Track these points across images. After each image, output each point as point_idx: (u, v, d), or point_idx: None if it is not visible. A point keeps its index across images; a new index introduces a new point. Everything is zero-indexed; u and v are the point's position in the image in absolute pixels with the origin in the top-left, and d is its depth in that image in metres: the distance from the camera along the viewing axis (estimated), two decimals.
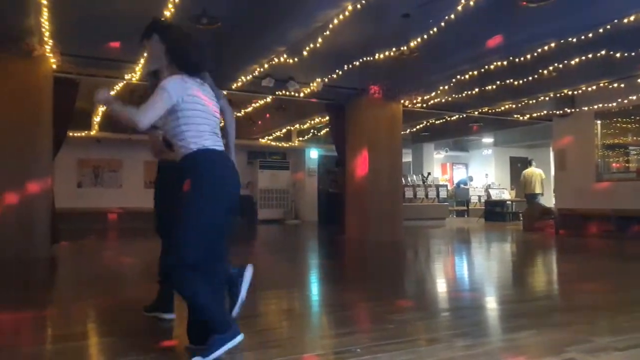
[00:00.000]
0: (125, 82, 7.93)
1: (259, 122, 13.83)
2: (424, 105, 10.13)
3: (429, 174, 16.17)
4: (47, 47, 6.43)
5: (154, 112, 2.38)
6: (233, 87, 8.29)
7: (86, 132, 11.93)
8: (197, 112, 2.45)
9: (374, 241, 8.70)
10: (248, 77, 7.76)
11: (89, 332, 3.24)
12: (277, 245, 9.95)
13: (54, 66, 6.82)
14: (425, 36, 6.20)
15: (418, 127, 13.45)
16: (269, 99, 10.02)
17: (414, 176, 15.75)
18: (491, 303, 4.18)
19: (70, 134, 9.59)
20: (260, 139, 14.96)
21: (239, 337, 2.41)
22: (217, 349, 2.34)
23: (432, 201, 14.94)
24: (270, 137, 15.02)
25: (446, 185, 16.19)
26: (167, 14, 5.43)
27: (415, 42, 6.48)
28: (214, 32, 5.99)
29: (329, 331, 3.24)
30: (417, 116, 11.63)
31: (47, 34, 6.04)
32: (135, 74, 7.48)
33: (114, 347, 2.80)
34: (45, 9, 5.26)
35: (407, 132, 13.57)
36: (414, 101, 9.70)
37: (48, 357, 2.68)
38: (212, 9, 5.45)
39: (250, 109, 11.41)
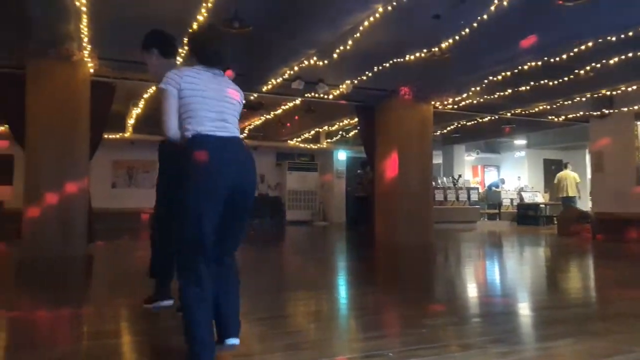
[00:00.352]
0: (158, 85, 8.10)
1: (288, 124, 13.93)
2: (455, 106, 10.00)
3: (459, 176, 15.96)
4: (85, 52, 6.62)
5: (168, 117, 2.43)
6: (263, 89, 8.37)
7: (120, 134, 12.25)
8: (197, 99, 2.43)
9: (404, 244, 8.63)
10: (278, 80, 7.81)
11: (122, 330, 3.32)
12: (305, 246, 9.98)
13: (92, 70, 7.02)
14: (457, 37, 6.12)
15: (449, 128, 13.27)
16: (298, 101, 10.08)
17: (444, 178, 15.56)
18: (525, 309, 4.08)
19: (106, 136, 9.85)
20: (288, 141, 15.05)
21: None
22: None
23: (463, 204, 14.73)
24: (299, 139, 15.09)
25: (477, 188, 15.93)
26: (200, 18, 5.53)
27: (446, 43, 6.41)
28: (245, 36, 6.06)
29: (360, 334, 3.22)
30: (448, 117, 11.49)
31: (85, 39, 6.22)
32: None
33: (146, 345, 2.86)
34: (84, 15, 5.42)
35: (438, 133, 13.41)
36: (445, 102, 9.59)
37: (83, 354, 2.75)
38: (244, 13, 5.52)
39: (279, 111, 11.50)
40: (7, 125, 8.01)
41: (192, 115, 2.42)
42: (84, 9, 5.24)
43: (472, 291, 5.08)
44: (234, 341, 2.50)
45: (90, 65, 6.89)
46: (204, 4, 5.29)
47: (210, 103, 2.45)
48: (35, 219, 6.46)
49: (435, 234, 9.49)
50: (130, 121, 11.77)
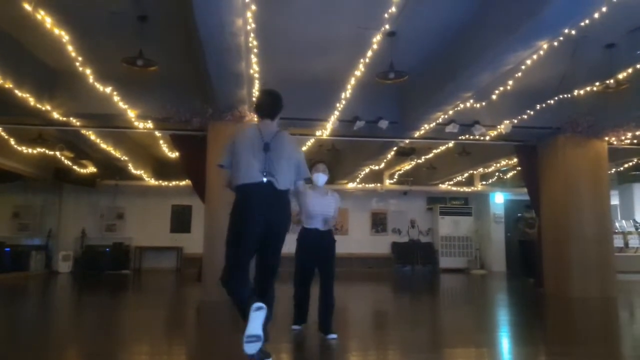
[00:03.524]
0: (315, 137, 8.62)
1: (439, 168, 13.64)
2: (635, 141, 8.84)
3: None
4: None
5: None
6: (416, 135, 8.37)
7: None
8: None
9: (580, 297, 7.65)
10: (431, 125, 7.75)
11: None
12: (462, 297, 9.42)
13: None
14: (638, 65, 5.47)
15: (626, 165, 11.74)
16: (451, 144, 9.85)
17: (623, 222, 13.67)
18: None
19: None
20: (440, 184, 14.69)
21: None
22: None
23: None
24: (451, 182, 14.64)
25: None
26: (357, 73, 5.80)
27: (624, 74, 5.76)
28: (400, 85, 6.19)
29: None
30: (625, 154, 10.19)
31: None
32: (325, 130, 8.06)
33: None
34: (257, 81, 6.05)
35: (613, 171, 11.94)
36: (622, 137, 8.53)
37: None
38: (399, 64, 5.65)
39: (430, 155, 11.35)
40: (188, 180, 9.14)
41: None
42: (256, 75, 5.86)
43: None
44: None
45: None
46: (361, 60, 5.54)
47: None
48: (214, 264, 7.13)
49: (618, 287, 8.27)
50: None
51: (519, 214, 11.29)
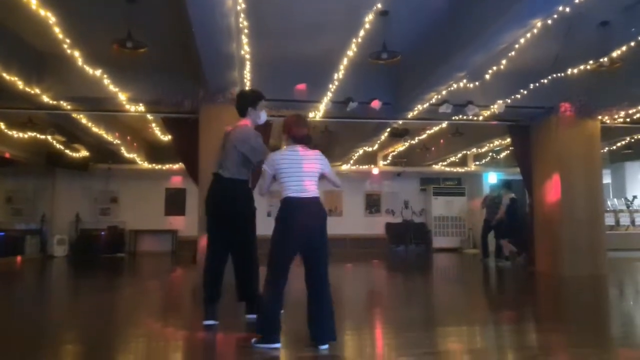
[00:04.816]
0: (308, 119, 8.56)
1: (432, 149, 13.65)
2: (627, 120, 8.86)
3: (634, 197, 14.01)
4: None
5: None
6: (409, 116, 8.34)
7: None
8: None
9: (571, 276, 7.76)
10: (425, 106, 7.72)
11: (282, 357, 3.46)
12: (454, 276, 9.53)
13: None
14: (632, 43, 5.45)
15: (619, 144, 11.79)
16: (444, 125, 9.83)
17: (615, 200, 13.80)
18: None
19: None
20: (433, 165, 14.72)
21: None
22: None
23: None
24: (444, 163, 14.66)
25: None
26: (350, 54, 5.75)
27: (617, 52, 5.74)
28: (393, 65, 6.14)
29: None
30: (618, 133, 10.21)
31: (247, 83, 6.86)
32: (318, 111, 8.02)
33: None
34: (248, 63, 5.99)
35: (605, 150, 11.99)
36: (615, 117, 8.55)
37: None
38: (393, 44, 5.59)
39: (424, 136, 11.34)
40: (181, 163, 9.10)
41: None
42: (247, 56, 5.79)
43: None
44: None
45: None
46: (354, 40, 5.48)
47: None
48: None
49: (608, 265, 8.39)
50: None
51: (485, 194, 11.48)
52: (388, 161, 14.71)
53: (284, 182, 3.55)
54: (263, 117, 4.51)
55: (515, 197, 10.40)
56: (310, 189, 3.54)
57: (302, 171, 3.55)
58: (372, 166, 14.22)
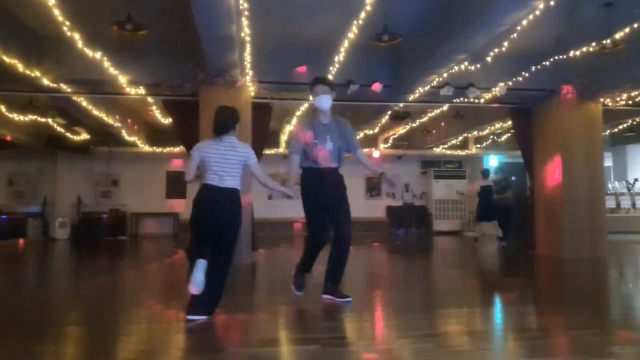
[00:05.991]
0: (308, 102, 8.53)
1: (433, 132, 13.62)
2: (629, 102, 8.82)
3: (635, 180, 14.00)
4: (247, 77, 7.26)
5: None
6: (410, 99, 8.31)
7: (275, 149, 13.14)
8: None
9: (571, 258, 7.81)
10: (426, 88, 7.68)
11: (282, 338, 3.51)
12: (455, 259, 9.59)
13: (252, 93, 7.66)
14: (635, 25, 5.40)
15: (620, 127, 11.76)
16: (445, 108, 9.80)
17: (616, 183, 13.80)
18: None
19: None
20: (434, 148, 14.70)
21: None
22: None
23: None
24: (445, 146, 14.65)
25: None
26: (351, 36, 5.70)
27: (621, 34, 5.69)
28: (394, 48, 6.09)
29: None
30: (620, 115, 10.19)
31: (248, 66, 6.83)
32: None
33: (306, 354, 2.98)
34: (248, 45, 5.94)
35: (606, 133, 11.97)
36: (617, 99, 8.51)
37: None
38: (394, 26, 5.54)
39: (425, 118, 11.31)
40: (182, 146, 9.10)
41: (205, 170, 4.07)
42: (247, 38, 5.75)
43: None
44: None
45: (251, 89, 7.52)
46: (354, 22, 5.44)
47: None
48: None
49: (608, 247, 8.44)
50: (284, 137, 12.55)
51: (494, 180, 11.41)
52: (389, 144, 14.69)
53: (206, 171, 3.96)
54: (318, 101, 4.59)
55: (490, 185, 10.38)
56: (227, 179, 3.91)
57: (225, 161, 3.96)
58: (373, 149, 14.20)
